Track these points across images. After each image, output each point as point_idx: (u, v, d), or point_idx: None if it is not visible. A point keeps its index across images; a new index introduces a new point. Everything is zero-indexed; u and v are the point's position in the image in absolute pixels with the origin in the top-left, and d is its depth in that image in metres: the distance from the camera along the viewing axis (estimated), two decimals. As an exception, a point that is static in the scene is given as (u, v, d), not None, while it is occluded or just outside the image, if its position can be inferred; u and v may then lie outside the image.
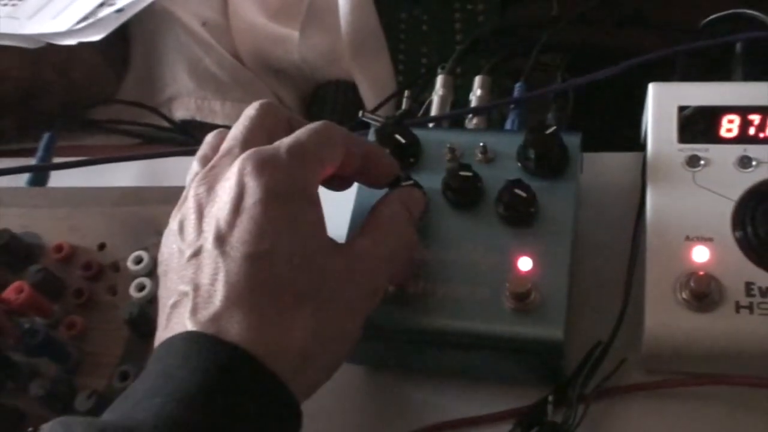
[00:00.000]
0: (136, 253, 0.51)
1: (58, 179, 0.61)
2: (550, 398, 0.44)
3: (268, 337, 0.36)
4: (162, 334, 0.37)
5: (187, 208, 0.40)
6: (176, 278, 0.38)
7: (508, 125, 0.55)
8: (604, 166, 0.54)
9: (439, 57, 0.70)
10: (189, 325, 0.36)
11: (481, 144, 0.49)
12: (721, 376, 0.44)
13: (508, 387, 0.47)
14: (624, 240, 0.49)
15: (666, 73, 0.59)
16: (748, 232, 0.44)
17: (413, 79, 0.69)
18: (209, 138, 0.44)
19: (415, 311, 0.45)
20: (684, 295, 0.43)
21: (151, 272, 0.51)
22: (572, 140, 0.48)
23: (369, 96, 0.68)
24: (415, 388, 0.49)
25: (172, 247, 0.40)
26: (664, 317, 0.44)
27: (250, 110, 0.42)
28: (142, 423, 0.33)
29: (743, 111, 0.48)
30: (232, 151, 0.40)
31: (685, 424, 0.45)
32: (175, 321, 0.37)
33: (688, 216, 0.46)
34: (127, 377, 0.47)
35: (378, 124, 0.53)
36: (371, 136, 0.50)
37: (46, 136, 0.63)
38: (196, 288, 0.37)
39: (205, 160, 0.42)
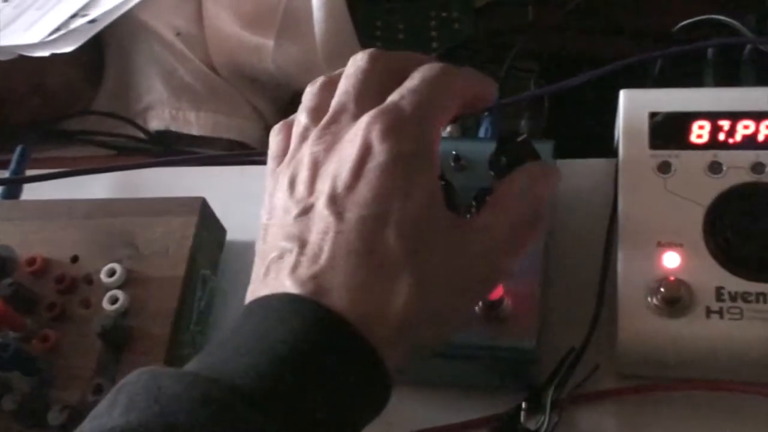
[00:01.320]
0: (109, 265, 0.51)
1: (32, 192, 0.61)
2: (524, 405, 0.44)
3: (367, 303, 0.35)
4: (257, 288, 0.37)
5: (300, 164, 0.39)
6: (279, 233, 0.38)
7: (481, 133, 0.55)
8: (578, 173, 0.54)
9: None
10: (288, 282, 0.36)
11: (454, 152, 0.49)
12: (694, 381, 0.44)
13: (483, 394, 0.47)
14: (597, 246, 0.49)
15: (640, 79, 0.60)
16: (718, 237, 0.44)
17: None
18: (315, 90, 0.42)
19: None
20: (655, 301, 0.43)
21: (124, 284, 0.51)
22: (544, 148, 0.48)
23: (344, 104, 0.68)
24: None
25: (278, 202, 0.39)
26: (636, 323, 0.44)
27: (360, 62, 0.41)
28: (231, 377, 0.33)
29: (713, 117, 0.48)
30: (347, 108, 0.39)
31: (658, 429, 0.45)
32: (273, 276, 0.37)
33: (660, 222, 0.46)
34: (101, 390, 0.46)
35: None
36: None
37: (19, 149, 0.63)
38: (302, 245, 0.37)
39: (315, 113, 0.41)
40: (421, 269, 0.37)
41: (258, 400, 0.32)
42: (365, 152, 0.37)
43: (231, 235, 0.57)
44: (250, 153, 0.67)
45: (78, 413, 0.45)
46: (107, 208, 0.55)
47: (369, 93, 0.40)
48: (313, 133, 0.40)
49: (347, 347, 0.34)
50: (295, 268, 0.36)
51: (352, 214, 0.36)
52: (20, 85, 0.69)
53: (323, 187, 0.38)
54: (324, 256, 0.36)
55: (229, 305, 0.55)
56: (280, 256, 0.37)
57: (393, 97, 0.39)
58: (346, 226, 0.36)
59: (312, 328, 0.34)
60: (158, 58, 0.68)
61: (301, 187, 0.39)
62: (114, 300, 0.50)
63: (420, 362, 0.39)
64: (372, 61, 0.41)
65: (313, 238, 0.37)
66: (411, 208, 0.37)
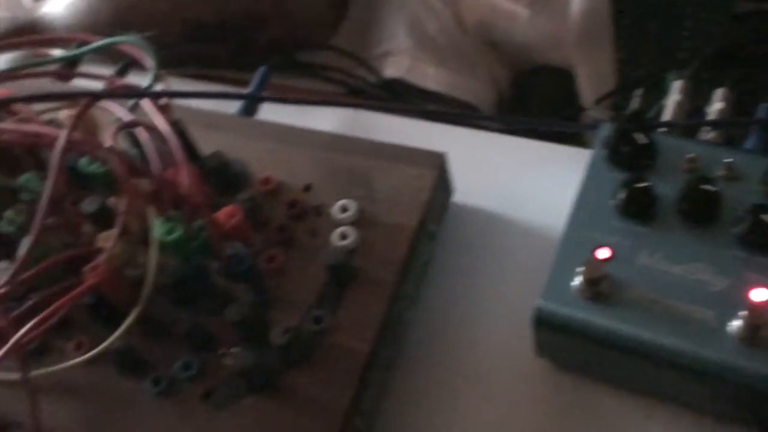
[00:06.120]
0: (343, 201, 0.51)
1: (263, 116, 0.61)
2: (757, 441, 0.41)
3: None
4: None
5: None
6: None
7: (749, 144, 0.52)
8: None
9: (660, 61, 0.67)
10: None
11: (727, 161, 0.46)
12: None
13: (712, 420, 0.44)
14: None
15: None
16: None
17: (634, 80, 0.66)
18: None
19: (629, 318, 0.42)
20: None
21: (355, 223, 0.50)
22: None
23: (586, 88, 0.65)
24: (607, 398, 0.46)
25: None
26: None
27: None
28: None
29: None
30: None
31: None
32: None
33: None
34: (320, 321, 0.46)
35: (605, 119, 0.50)
36: (605, 131, 0.48)
37: (261, 69, 0.63)
38: None
39: None
40: None
41: None
42: None
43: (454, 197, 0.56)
44: (481, 116, 0.66)
45: (297, 338, 0.45)
46: (345, 144, 0.55)
47: None
48: None
49: None
50: None
51: None
52: (267, 8, 0.69)
53: None
54: None
55: (443, 268, 0.54)
56: None
57: None
58: None
59: None
60: (407, 5, 0.67)
61: None
62: (344, 236, 0.49)
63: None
64: None
65: None
66: None
